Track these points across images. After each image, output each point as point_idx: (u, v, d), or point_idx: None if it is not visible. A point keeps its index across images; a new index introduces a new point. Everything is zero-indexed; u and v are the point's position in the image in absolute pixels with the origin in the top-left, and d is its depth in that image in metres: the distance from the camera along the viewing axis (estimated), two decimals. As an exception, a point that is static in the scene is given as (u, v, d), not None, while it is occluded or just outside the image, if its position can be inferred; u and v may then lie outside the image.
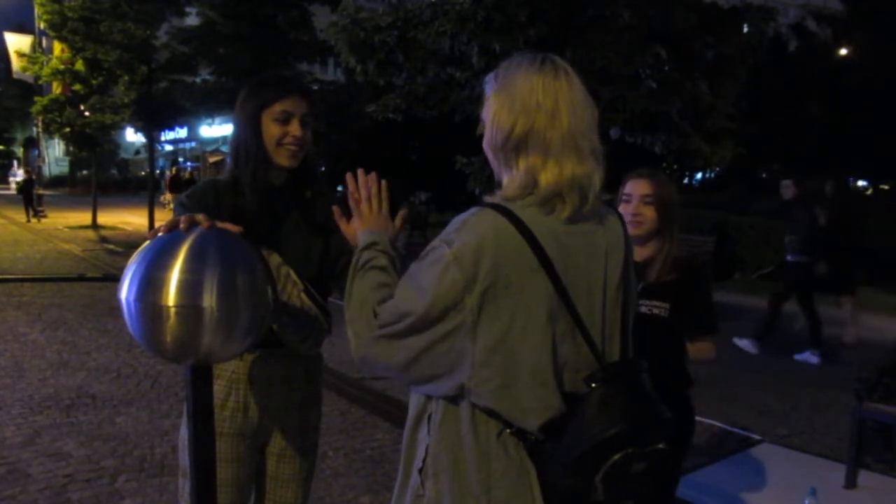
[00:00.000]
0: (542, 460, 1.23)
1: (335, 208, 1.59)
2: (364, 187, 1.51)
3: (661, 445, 1.22)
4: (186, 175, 25.58)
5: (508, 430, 1.23)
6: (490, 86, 1.33)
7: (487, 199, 1.30)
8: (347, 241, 1.77)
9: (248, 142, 1.77)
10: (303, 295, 1.80)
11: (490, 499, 1.24)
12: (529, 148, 1.25)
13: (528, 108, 1.24)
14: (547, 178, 1.23)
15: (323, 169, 16.72)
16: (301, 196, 1.88)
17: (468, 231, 1.22)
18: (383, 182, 1.54)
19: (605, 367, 1.26)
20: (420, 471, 1.31)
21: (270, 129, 1.76)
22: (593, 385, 1.22)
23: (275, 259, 1.76)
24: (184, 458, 1.79)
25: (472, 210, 1.27)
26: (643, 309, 2.20)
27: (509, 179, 1.29)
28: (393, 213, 1.54)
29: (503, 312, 1.20)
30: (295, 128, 1.77)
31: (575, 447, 1.18)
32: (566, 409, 1.23)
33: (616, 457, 1.17)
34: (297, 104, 1.77)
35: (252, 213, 1.75)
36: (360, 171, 1.53)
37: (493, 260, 1.19)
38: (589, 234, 1.29)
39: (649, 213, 2.22)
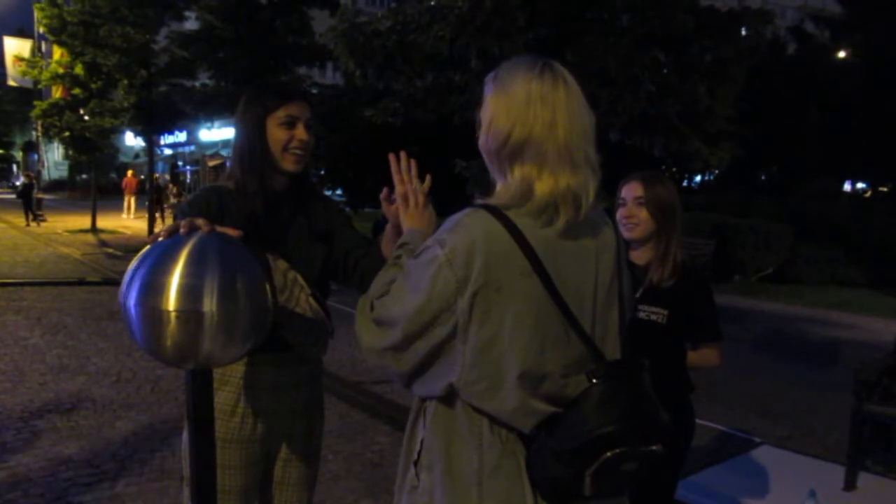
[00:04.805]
0: (534, 448, 1.25)
1: (385, 190, 1.67)
2: (407, 183, 1.57)
3: (654, 448, 1.23)
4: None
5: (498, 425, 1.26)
6: (489, 86, 1.33)
7: (479, 200, 1.30)
8: (352, 241, 1.91)
9: (254, 148, 1.77)
10: (311, 299, 1.81)
11: (482, 490, 1.25)
12: (525, 157, 1.25)
13: (525, 117, 1.25)
14: (542, 188, 1.24)
15: (322, 172, 16.73)
16: (302, 201, 1.89)
17: (460, 232, 1.23)
18: (427, 177, 1.60)
19: (608, 365, 1.26)
20: (415, 463, 1.34)
21: (276, 134, 1.76)
22: (594, 381, 1.22)
23: (282, 264, 1.77)
24: (187, 465, 1.80)
25: (466, 211, 1.27)
26: (641, 315, 2.19)
27: (503, 186, 1.30)
28: None
29: (493, 316, 1.21)
30: (301, 132, 1.78)
31: (569, 440, 1.19)
32: (557, 411, 1.24)
33: (608, 454, 1.18)
34: (300, 108, 1.78)
35: (261, 219, 1.76)
36: (402, 155, 1.58)
37: (484, 262, 1.20)
38: (579, 238, 1.30)
39: (643, 214, 2.22)
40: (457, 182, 9.56)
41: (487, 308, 1.20)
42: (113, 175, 42.08)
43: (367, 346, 1.32)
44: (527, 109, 1.25)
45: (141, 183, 25.97)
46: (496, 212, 1.24)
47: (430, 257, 1.24)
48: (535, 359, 1.22)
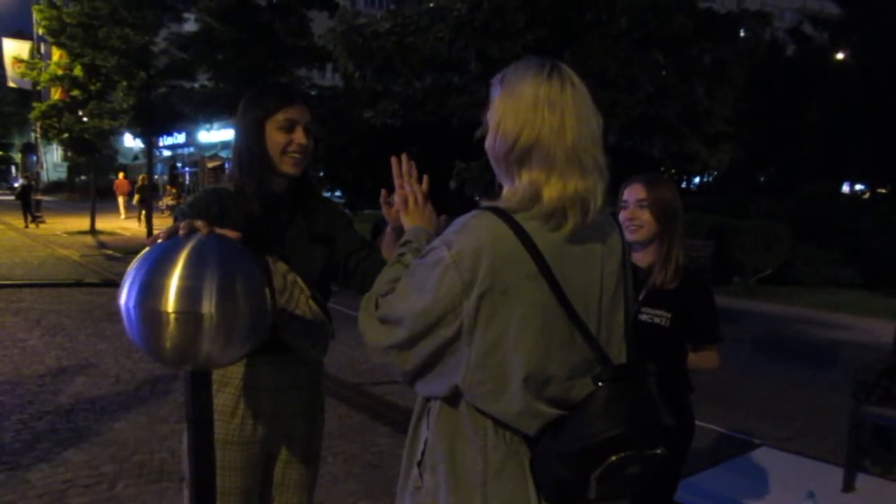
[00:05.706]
0: (539, 450, 1.24)
1: (383, 191, 1.70)
2: (407, 184, 1.58)
3: (658, 451, 1.23)
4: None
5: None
6: (496, 89, 1.32)
7: (485, 202, 1.29)
8: (352, 242, 1.92)
9: (252, 150, 1.77)
10: (310, 301, 1.81)
11: (486, 491, 1.25)
12: (533, 161, 1.24)
13: (533, 121, 1.23)
14: (550, 193, 1.23)
15: (322, 174, 16.72)
16: (302, 203, 1.89)
17: (467, 234, 1.22)
18: (424, 177, 1.61)
19: (614, 368, 1.26)
20: (419, 463, 1.33)
21: (275, 138, 1.77)
22: (599, 384, 1.22)
23: (281, 266, 1.77)
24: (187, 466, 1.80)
25: (473, 213, 1.26)
26: (644, 317, 2.19)
27: (511, 190, 1.29)
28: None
29: (498, 319, 1.20)
30: (300, 135, 1.78)
31: (574, 443, 1.19)
32: (562, 414, 1.24)
33: (613, 458, 1.18)
34: (300, 112, 1.78)
35: (259, 221, 1.76)
36: (404, 157, 1.61)
37: (490, 264, 1.19)
38: (586, 242, 1.29)
39: (646, 217, 2.22)
40: (456, 183, 9.57)
41: (493, 310, 1.20)
42: (112, 176, 42.07)
43: (371, 343, 1.31)
44: (535, 113, 1.23)
45: (132, 184, 26.00)
46: (504, 214, 1.23)
47: (437, 258, 1.23)
48: (541, 361, 1.22)
